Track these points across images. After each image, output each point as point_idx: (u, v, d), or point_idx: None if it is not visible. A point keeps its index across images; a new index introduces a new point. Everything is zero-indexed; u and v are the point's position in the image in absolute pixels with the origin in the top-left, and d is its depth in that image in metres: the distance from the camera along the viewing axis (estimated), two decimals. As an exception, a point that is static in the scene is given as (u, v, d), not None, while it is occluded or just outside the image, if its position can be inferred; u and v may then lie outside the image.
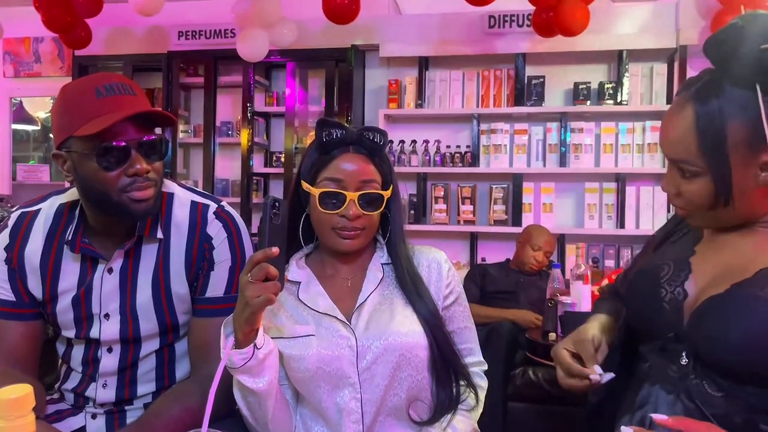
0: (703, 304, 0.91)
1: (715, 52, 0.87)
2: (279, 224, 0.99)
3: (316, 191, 1.14)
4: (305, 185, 1.17)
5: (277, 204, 0.98)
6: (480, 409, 1.22)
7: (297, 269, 1.20)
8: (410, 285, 1.17)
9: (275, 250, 0.96)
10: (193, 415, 1.12)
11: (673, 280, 0.96)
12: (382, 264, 1.21)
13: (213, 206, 1.27)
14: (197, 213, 1.25)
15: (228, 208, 1.29)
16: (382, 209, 1.16)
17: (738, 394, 0.86)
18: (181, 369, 1.29)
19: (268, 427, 1.11)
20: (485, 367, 1.25)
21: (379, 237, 1.24)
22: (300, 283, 1.19)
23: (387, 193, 1.17)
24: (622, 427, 0.84)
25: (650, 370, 0.97)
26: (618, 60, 3.79)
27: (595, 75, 3.89)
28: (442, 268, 1.21)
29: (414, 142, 3.99)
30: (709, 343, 0.88)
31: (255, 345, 1.01)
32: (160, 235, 1.22)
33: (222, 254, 1.24)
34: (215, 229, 1.24)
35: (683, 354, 0.91)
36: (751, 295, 0.86)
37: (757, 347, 0.84)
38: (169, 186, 1.28)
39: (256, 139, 4.23)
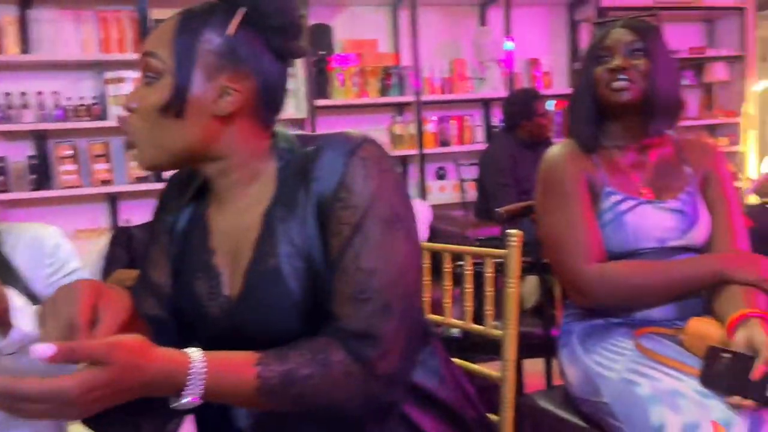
0: (236, 311, 0.86)
1: None
2: None
3: None
4: None
5: None
6: None
7: None
8: None
9: None
10: None
11: (212, 295, 0.89)
12: None
13: None
14: None
15: None
16: None
17: None
18: None
19: None
20: None
21: None
22: None
23: None
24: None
25: None
26: None
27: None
28: (44, 243, 1.02)
29: (24, 94, 3.39)
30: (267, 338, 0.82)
31: None
32: None
33: None
34: None
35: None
36: (259, 281, 0.84)
37: (286, 319, 0.82)
38: None
39: None
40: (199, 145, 0.84)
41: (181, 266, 0.93)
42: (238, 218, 0.88)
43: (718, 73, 4.62)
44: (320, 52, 3.77)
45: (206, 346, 0.88)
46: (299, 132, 0.92)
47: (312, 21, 3.75)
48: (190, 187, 0.96)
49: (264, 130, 0.88)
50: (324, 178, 0.82)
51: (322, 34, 3.83)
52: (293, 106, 3.74)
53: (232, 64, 0.83)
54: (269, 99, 0.87)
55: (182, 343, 0.92)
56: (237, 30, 0.83)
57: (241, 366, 0.74)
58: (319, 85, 3.75)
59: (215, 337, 0.88)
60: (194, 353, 0.71)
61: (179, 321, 0.93)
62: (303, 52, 0.89)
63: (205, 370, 0.70)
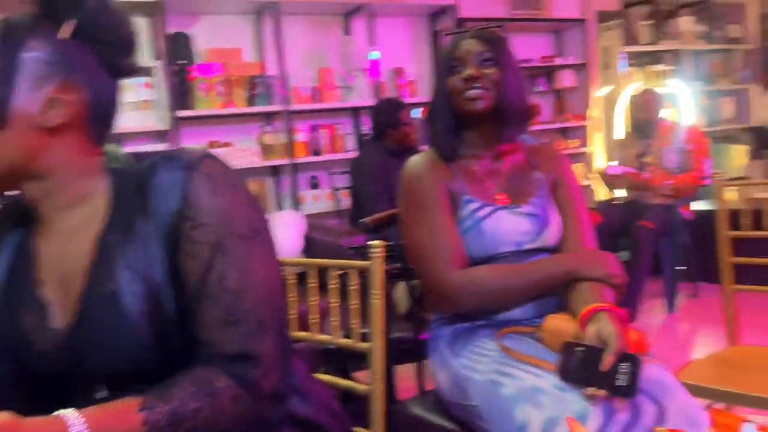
0: (69, 344, 0.79)
1: None
2: None
3: None
4: None
5: None
6: None
7: None
8: None
9: None
10: None
11: (40, 329, 0.81)
12: None
13: None
14: None
15: None
16: None
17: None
18: None
19: None
20: None
21: None
22: None
23: None
24: None
25: None
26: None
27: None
28: None
29: None
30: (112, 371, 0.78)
31: None
32: None
33: None
34: None
35: (100, 388, 0.80)
36: (95, 308, 0.78)
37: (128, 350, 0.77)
38: None
39: None
40: (22, 160, 0.77)
41: (5, 300, 0.84)
42: (66, 244, 0.82)
43: (566, 80, 4.98)
44: (180, 62, 3.62)
45: (38, 387, 0.81)
46: (131, 150, 0.87)
47: (170, 30, 3.59)
48: (15, 213, 0.88)
49: (94, 147, 0.83)
50: (164, 196, 0.78)
51: (182, 43, 3.67)
52: (154, 118, 3.55)
53: (62, 74, 0.78)
54: (100, 113, 0.82)
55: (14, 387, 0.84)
56: (67, 40, 0.78)
57: (124, 414, 0.70)
58: (181, 95, 3.60)
59: (48, 375, 0.81)
60: (69, 414, 0.67)
61: (8, 361, 0.84)
62: (135, 70, 0.85)
63: (87, 429, 0.66)
